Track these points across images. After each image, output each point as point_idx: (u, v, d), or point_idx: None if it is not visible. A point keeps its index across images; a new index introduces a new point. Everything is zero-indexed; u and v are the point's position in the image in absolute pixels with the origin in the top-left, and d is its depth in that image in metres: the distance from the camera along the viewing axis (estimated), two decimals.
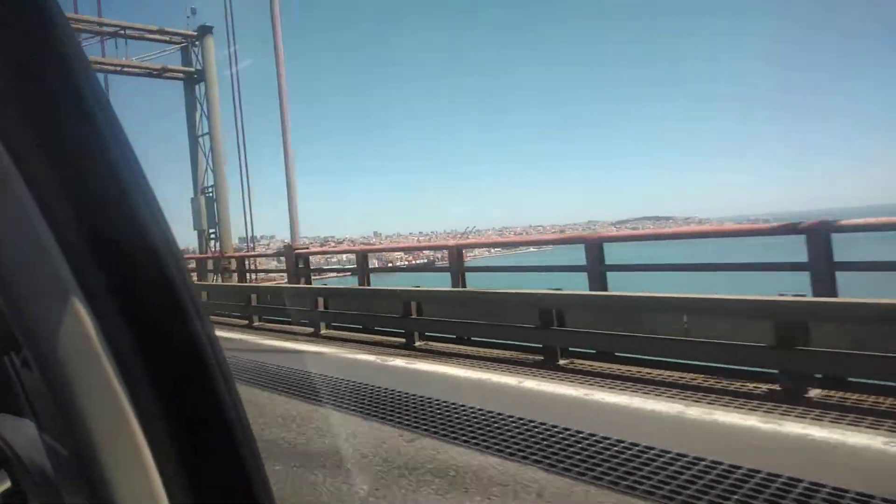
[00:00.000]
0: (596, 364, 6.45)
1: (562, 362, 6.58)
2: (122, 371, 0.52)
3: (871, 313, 4.84)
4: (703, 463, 3.60)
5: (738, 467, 3.47)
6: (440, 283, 9.38)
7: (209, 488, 0.55)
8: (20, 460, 1.01)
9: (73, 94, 0.51)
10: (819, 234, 5.66)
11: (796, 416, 4.45)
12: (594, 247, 7.38)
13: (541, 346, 6.95)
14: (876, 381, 4.99)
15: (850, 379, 5.05)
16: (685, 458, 3.67)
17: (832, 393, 4.94)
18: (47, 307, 0.51)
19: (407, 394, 5.67)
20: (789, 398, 4.87)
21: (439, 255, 17.40)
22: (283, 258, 13.24)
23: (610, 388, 5.60)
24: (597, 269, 7.31)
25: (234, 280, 15.67)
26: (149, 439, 0.52)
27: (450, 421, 4.80)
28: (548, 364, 6.58)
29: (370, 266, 11.53)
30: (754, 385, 5.31)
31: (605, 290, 7.18)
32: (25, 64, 0.49)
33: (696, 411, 4.69)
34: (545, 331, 6.79)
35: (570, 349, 6.84)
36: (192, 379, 0.54)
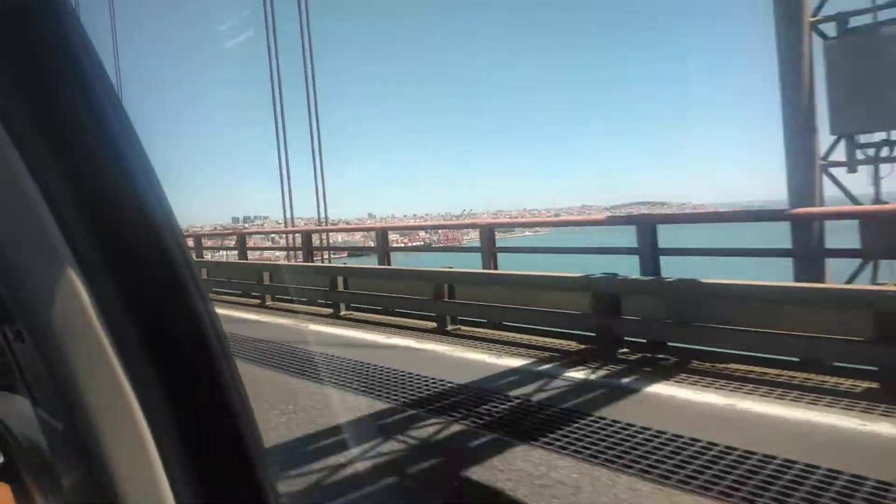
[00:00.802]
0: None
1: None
2: (119, 345, 0.52)
3: None
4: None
5: None
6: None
7: (206, 457, 0.54)
8: (13, 436, 1.01)
9: (70, 63, 0.51)
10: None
11: None
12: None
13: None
14: None
15: None
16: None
17: None
18: (42, 278, 0.51)
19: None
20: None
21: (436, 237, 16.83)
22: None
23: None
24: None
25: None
26: (146, 412, 0.52)
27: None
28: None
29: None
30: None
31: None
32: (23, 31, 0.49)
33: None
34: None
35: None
36: (190, 353, 0.54)
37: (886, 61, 5.89)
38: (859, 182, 6.32)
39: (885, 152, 6.17)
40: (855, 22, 6.21)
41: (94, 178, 0.52)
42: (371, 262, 10.73)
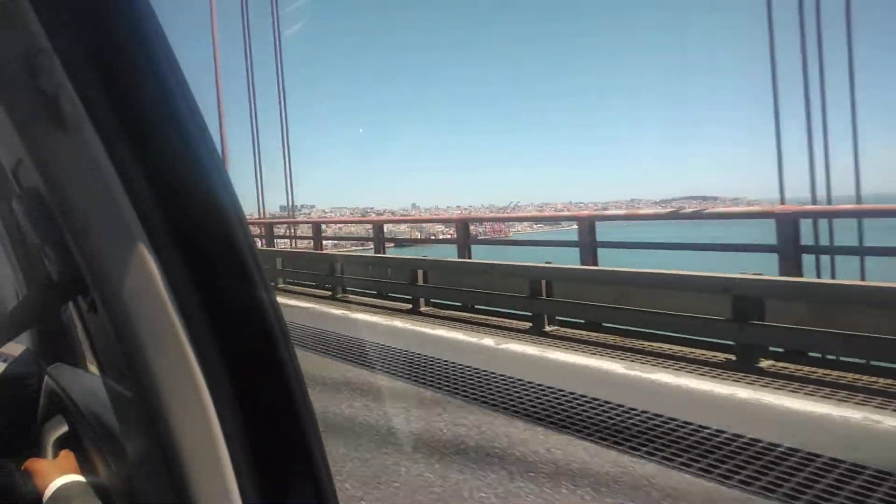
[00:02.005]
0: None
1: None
2: (186, 320, 0.53)
3: None
4: None
5: None
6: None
7: (265, 433, 0.56)
8: (76, 406, 1.08)
9: (144, 50, 0.52)
10: None
11: None
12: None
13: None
14: None
15: None
16: None
17: None
18: (117, 254, 0.53)
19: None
20: None
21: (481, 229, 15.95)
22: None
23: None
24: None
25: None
26: (210, 386, 0.54)
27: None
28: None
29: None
30: None
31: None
32: (99, 21, 0.50)
33: None
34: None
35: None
36: (253, 333, 0.56)
37: None
38: None
39: None
40: None
41: (165, 162, 0.53)
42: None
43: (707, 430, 3.74)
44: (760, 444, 3.49)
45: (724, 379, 4.91)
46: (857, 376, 4.79)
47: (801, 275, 5.75)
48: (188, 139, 0.54)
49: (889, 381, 4.61)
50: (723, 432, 3.69)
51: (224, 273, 0.55)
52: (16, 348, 1.50)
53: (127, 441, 0.70)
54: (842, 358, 5.06)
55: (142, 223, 0.53)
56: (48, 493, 0.90)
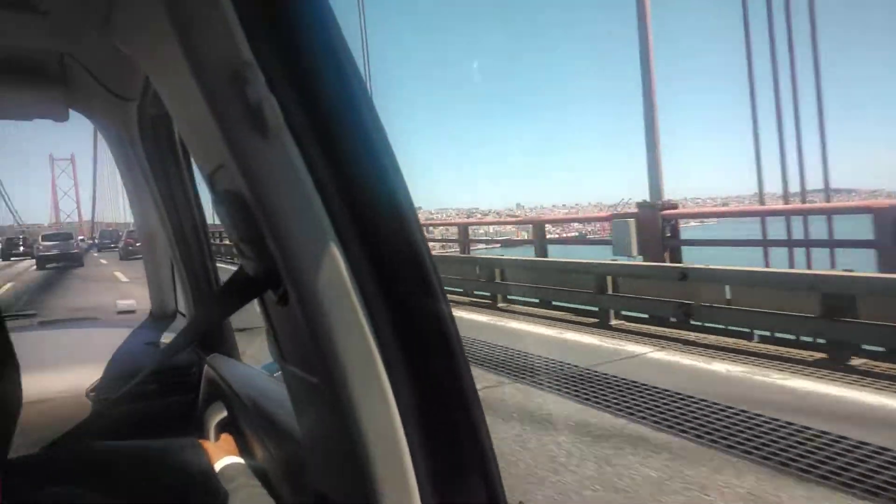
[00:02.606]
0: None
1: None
2: (370, 312, 0.57)
3: None
4: None
5: None
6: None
7: (440, 430, 0.59)
8: (235, 393, 1.15)
9: (333, 61, 0.56)
10: None
11: None
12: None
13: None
14: None
15: None
16: None
17: None
18: (309, 249, 0.56)
19: None
20: None
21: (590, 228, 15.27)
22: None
23: None
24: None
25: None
26: (390, 376, 0.57)
27: None
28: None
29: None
30: None
31: None
32: (295, 35, 0.55)
33: None
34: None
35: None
36: (430, 334, 0.58)
37: None
38: None
39: None
40: None
41: (352, 165, 0.57)
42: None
43: None
44: None
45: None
46: None
47: None
48: (371, 143, 0.57)
49: None
50: None
51: (405, 273, 0.58)
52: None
53: (304, 425, 0.73)
54: None
55: (332, 222, 0.56)
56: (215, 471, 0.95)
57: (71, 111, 1.40)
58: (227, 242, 20.62)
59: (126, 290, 13.36)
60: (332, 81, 0.56)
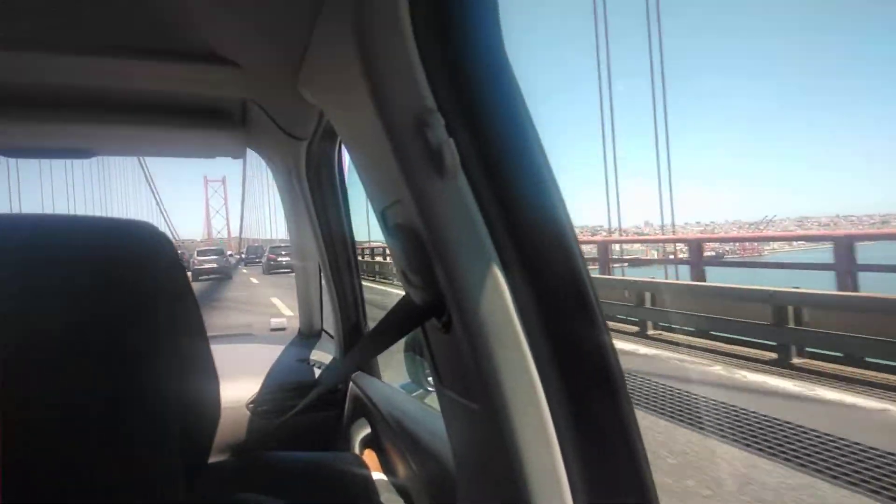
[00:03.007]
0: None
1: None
2: (531, 344, 0.58)
3: None
4: None
5: None
6: None
7: (602, 473, 0.58)
8: (378, 411, 1.20)
9: (507, 109, 0.58)
10: None
11: None
12: None
13: None
14: None
15: None
16: None
17: None
18: (476, 280, 0.58)
19: None
20: None
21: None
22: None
23: None
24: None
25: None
26: (551, 408, 0.58)
27: None
28: None
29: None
30: None
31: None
32: (473, 82, 0.58)
33: None
34: None
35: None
36: (591, 363, 0.58)
37: None
38: None
39: None
40: None
41: (522, 205, 0.59)
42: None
43: None
44: None
45: None
46: None
47: None
48: (541, 184, 0.59)
49: None
50: None
51: (568, 307, 0.59)
52: (325, 358, 1.75)
53: (458, 447, 0.75)
54: None
55: (499, 256, 0.59)
56: None
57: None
58: (367, 260, 21.55)
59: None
60: (507, 126, 0.59)
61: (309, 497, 0.65)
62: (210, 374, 0.59)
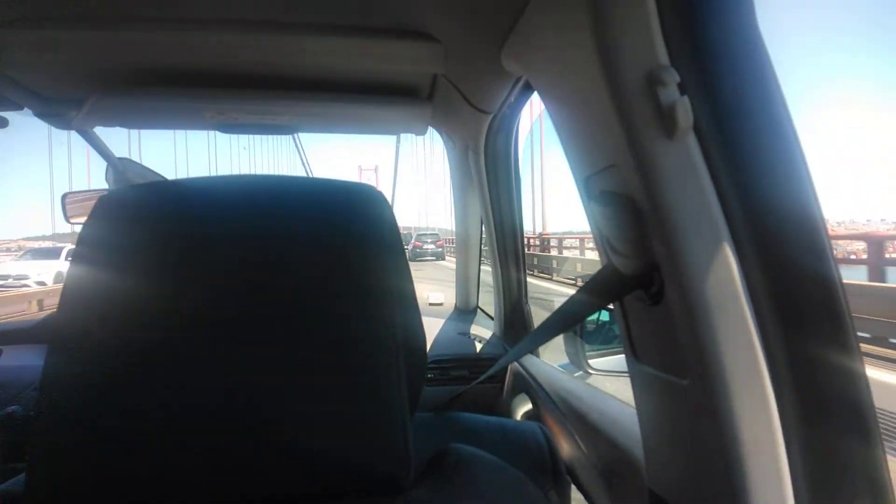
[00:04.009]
0: None
1: None
2: (759, 320, 0.54)
3: None
4: None
5: None
6: None
7: (828, 461, 0.54)
8: (540, 386, 1.25)
9: (749, 63, 0.54)
10: None
11: None
12: None
13: None
14: None
15: None
16: None
17: None
18: (699, 250, 0.55)
19: None
20: None
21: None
22: None
23: None
24: None
25: None
26: (774, 388, 0.54)
27: None
28: None
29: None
30: None
31: None
32: (711, 36, 0.54)
33: None
34: None
35: None
36: (825, 338, 0.53)
37: None
38: None
39: None
40: None
41: (758, 168, 0.54)
42: None
43: None
44: None
45: None
46: None
47: None
48: (783, 148, 0.54)
49: None
50: None
51: (803, 288, 0.54)
52: (484, 332, 1.81)
53: (652, 425, 0.72)
54: None
55: (728, 226, 0.55)
56: None
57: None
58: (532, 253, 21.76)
59: None
60: (747, 84, 0.54)
61: (503, 456, 0.66)
62: (420, 331, 0.62)
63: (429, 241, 28.53)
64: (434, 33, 1.01)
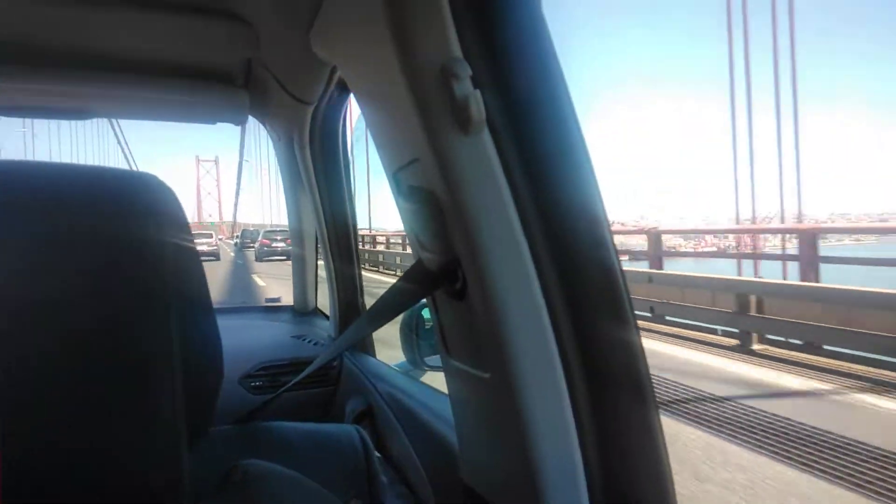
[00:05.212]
0: None
1: None
2: (551, 311, 0.56)
3: None
4: None
5: None
6: None
7: (616, 443, 0.57)
8: (373, 387, 1.24)
9: (538, 58, 0.55)
10: None
11: None
12: None
13: None
14: None
15: None
16: None
17: None
18: (496, 246, 0.55)
19: None
20: None
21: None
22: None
23: None
24: None
25: None
26: (567, 377, 0.56)
27: None
28: None
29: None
30: None
31: None
32: (502, 29, 0.55)
33: None
34: None
35: None
36: (610, 326, 0.56)
37: None
38: None
39: None
40: None
41: (549, 165, 0.56)
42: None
43: None
44: None
45: None
46: None
47: None
48: (569, 146, 0.55)
49: None
50: None
51: (591, 281, 0.56)
52: (320, 336, 1.69)
53: (464, 421, 0.71)
54: None
55: (521, 221, 0.55)
56: None
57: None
58: (369, 248, 21.59)
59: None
60: (536, 81, 0.54)
61: (312, 465, 0.62)
62: (213, 338, 0.56)
63: (278, 238, 27.16)
64: (243, 14, 0.93)
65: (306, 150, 1.42)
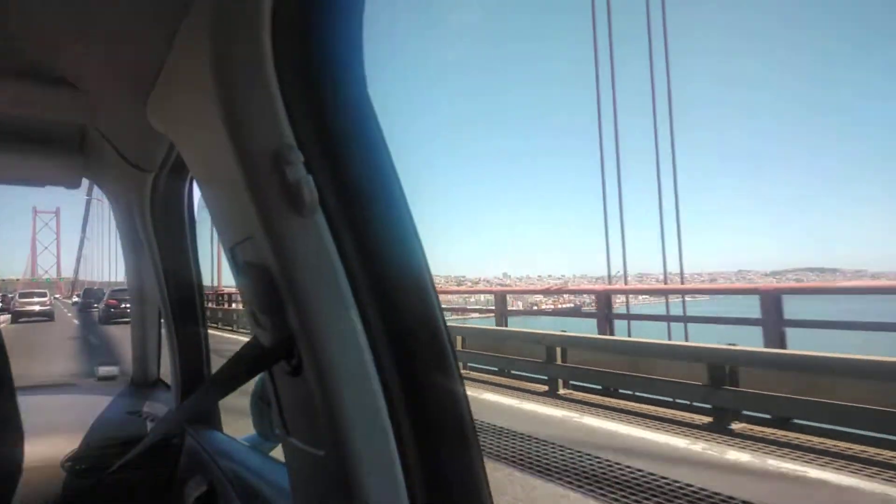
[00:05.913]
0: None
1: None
2: (384, 384, 0.57)
3: None
4: None
5: None
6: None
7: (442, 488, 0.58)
8: (217, 465, 1.13)
9: (368, 146, 0.58)
10: None
11: None
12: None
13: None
14: None
15: None
16: None
17: None
18: (330, 321, 0.56)
19: None
20: None
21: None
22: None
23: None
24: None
25: None
26: (400, 453, 0.57)
27: None
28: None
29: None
30: None
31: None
32: (334, 118, 0.58)
33: None
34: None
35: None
36: (442, 400, 0.59)
37: None
38: None
39: None
40: None
41: (380, 244, 0.59)
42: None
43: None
44: None
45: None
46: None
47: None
48: (399, 224, 0.58)
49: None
50: None
51: (422, 349, 0.58)
52: (161, 409, 1.51)
53: (302, 499, 0.70)
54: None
55: (354, 296, 0.56)
56: None
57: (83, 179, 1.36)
58: (224, 307, 20.16)
59: None
60: (366, 163, 0.57)
61: None
62: (12, 427, 0.50)
63: (129, 298, 24.39)
64: (76, 80, 0.89)
65: (147, 217, 1.33)
